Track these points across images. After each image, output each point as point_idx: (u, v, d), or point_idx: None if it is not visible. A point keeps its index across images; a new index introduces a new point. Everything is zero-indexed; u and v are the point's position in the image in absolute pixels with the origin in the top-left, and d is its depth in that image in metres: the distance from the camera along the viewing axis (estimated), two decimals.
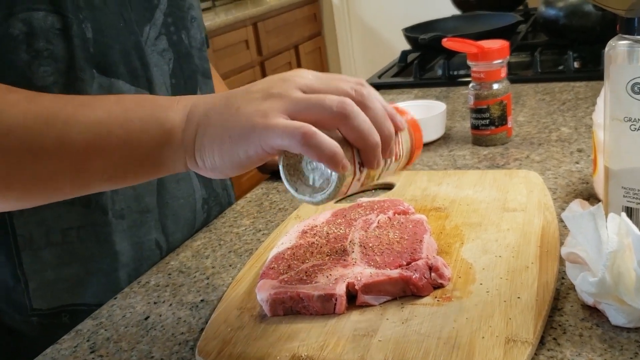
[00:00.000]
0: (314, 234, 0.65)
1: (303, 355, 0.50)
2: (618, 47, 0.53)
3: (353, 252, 0.60)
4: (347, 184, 0.48)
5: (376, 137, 0.48)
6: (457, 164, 0.87)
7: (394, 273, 0.55)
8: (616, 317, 0.48)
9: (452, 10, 1.93)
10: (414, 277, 0.55)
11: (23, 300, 0.70)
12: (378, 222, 0.65)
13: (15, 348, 0.72)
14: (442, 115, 0.96)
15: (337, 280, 0.56)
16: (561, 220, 0.64)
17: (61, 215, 0.68)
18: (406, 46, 1.52)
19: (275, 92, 0.48)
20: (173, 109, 0.51)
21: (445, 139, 0.97)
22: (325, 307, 0.55)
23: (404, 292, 0.55)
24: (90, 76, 0.65)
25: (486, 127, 0.91)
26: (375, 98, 0.49)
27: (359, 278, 0.55)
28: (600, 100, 0.66)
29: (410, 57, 1.53)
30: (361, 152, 0.48)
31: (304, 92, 0.48)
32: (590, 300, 0.50)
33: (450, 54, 1.32)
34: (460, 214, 0.69)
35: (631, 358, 0.45)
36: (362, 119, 0.47)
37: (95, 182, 0.52)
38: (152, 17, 0.73)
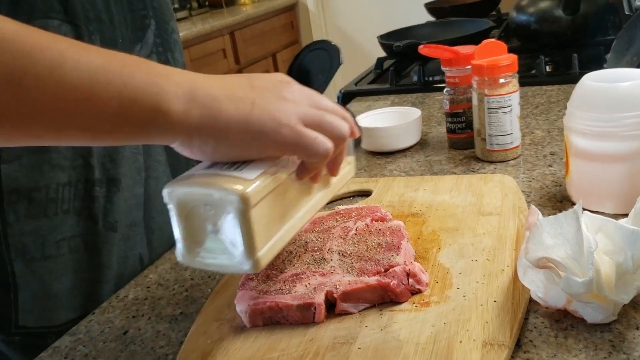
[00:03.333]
0: (292, 243, 0.65)
1: None
2: None
3: (331, 260, 0.60)
4: None
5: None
6: (433, 169, 0.88)
7: (372, 280, 0.56)
8: (594, 315, 0.49)
9: (427, 17, 1.95)
10: (392, 283, 0.55)
11: (9, 315, 0.69)
12: (356, 230, 0.65)
13: None
14: (417, 121, 0.97)
15: (315, 289, 0.56)
16: None
17: (56, 225, 0.68)
18: (382, 53, 1.53)
19: (288, 96, 0.49)
20: (172, 79, 0.46)
21: (421, 145, 0.98)
22: (304, 316, 0.55)
23: (383, 298, 0.56)
24: None
25: (462, 131, 0.92)
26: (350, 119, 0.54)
27: (337, 286, 0.56)
28: (570, 104, 0.67)
29: (386, 64, 1.55)
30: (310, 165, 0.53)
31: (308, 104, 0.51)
32: (560, 304, 0.51)
33: (425, 60, 1.34)
34: (437, 219, 0.70)
35: (605, 357, 0.46)
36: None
37: (77, 130, 0.45)
38: (144, 36, 0.75)
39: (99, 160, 0.70)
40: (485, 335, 0.49)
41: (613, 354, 0.46)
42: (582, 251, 0.48)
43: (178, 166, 0.80)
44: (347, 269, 0.58)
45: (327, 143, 0.49)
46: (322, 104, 0.52)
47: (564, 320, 0.51)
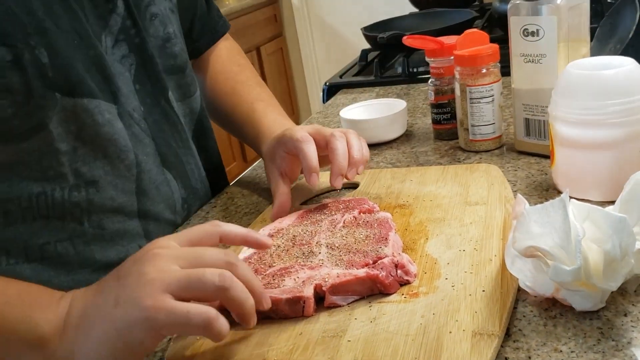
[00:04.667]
0: (280, 237, 0.65)
1: None
2: (514, 4, 0.77)
3: (320, 253, 0.60)
4: None
5: (251, 301, 0.49)
6: (419, 161, 0.88)
7: (361, 272, 0.55)
8: (582, 303, 0.49)
9: (410, 8, 1.95)
10: (380, 275, 0.55)
11: None
12: (344, 222, 0.65)
13: None
14: (403, 112, 0.97)
15: (304, 282, 0.56)
16: None
17: (36, 231, 0.67)
18: (366, 45, 1.52)
19: (153, 274, 0.46)
20: (51, 309, 0.50)
21: (407, 136, 0.98)
22: (293, 310, 0.54)
23: (372, 290, 0.56)
24: (52, 101, 0.64)
25: (448, 122, 0.92)
26: (243, 268, 0.50)
27: (326, 279, 0.55)
28: (554, 93, 0.67)
29: (371, 56, 1.54)
30: (239, 317, 0.50)
31: (179, 265, 0.48)
32: (548, 292, 0.51)
33: (410, 51, 1.34)
34: (424, 209, 0.70)
35: (594, 345, 0.46)
36: (240, 289, 0.48)
37: None
38: (107, 24, 0.71)
39: (71, 167, 0.67)
40: (475, 325, 0.49)
41: (602, 341, 0.46)
42: (570, 239, 0.48)
43: (168, 152, 0.79)
44: (336, 262, 0.58)
45: (202, 314, 0.45)
46: (195, 253, 0.49)
47: (552, 308, 0.51)
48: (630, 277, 0.50)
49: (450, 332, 0.49)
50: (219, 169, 0.96)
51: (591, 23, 0.78)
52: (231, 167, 3.00)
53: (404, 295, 0.55)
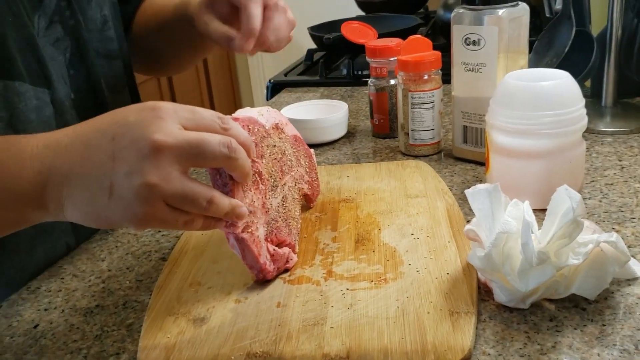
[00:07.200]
0: (268, 146, 0.61)
1: (259, 352, 0.49)
2: (457, 13, 0.78)
3: (277, 199, 0.60)
4: None
5: (249, 164, 0.51)
6: (360, 162, 0.88)
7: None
8: (499, 295, 0.52)
9: (357, 11, 1.96)
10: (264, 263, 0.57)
11: None
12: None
13: None
14: (344, 114, 0.97)
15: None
16: (460, 205, 0.66)
17: None
18: (313, 44, 1.52)
19: (150, 171, 0.44)
20: (25, 175, 0.47)
21: (348, 138, 0.99)
22: None
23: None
24: None
25: (384, 120, 0.97)
26: (237, 129, 0.50)
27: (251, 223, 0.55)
28: (492, 102, 0.69)
29: (316, 56, 1.54)
30: (238, 178, 0.51)
31: (177, 142, 0.45)
32: (482, 277, 0.54)
33: (355, 53, 1.34)
34: (369, 203, 0.71)
35: (520, 348, 0.47)
36: (244, 157, 0.49)
37: None
38: (41, 4, 0.68)
39: None
40: (450, 305, 0.51)
41: (528, 345, 0.48)
42: (490, 230, 0.52)
43: None
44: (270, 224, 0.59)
45: (189, 224, 0.48)
46: (198, 142, 0.46)
47: (482, 312, 0.52)
48: (552, 285, 0.51)
49: (428, 313, 0.50)
50: None
51: (530, 36, 0.80)
52: None
53: (373, 282, 0.56)
